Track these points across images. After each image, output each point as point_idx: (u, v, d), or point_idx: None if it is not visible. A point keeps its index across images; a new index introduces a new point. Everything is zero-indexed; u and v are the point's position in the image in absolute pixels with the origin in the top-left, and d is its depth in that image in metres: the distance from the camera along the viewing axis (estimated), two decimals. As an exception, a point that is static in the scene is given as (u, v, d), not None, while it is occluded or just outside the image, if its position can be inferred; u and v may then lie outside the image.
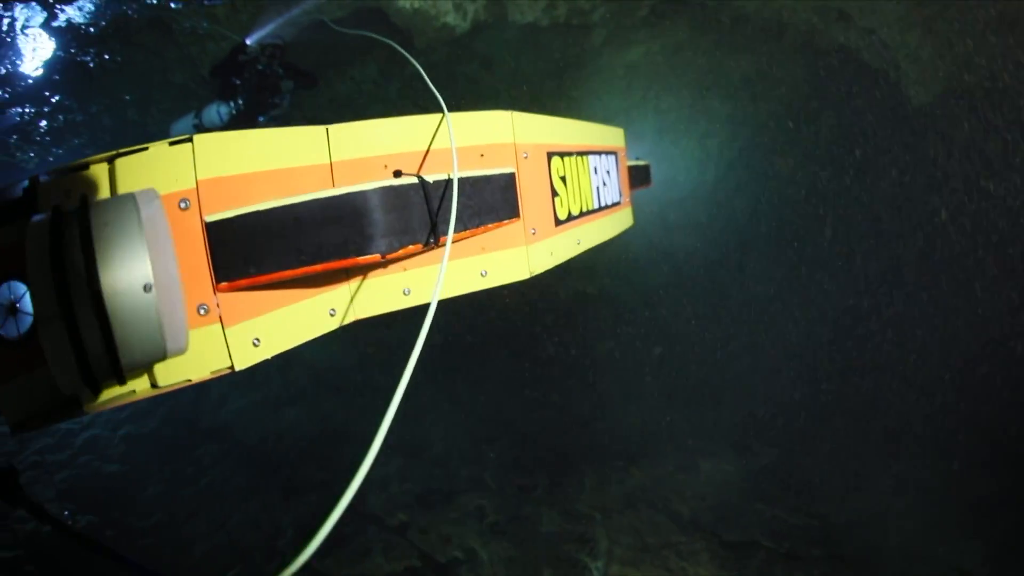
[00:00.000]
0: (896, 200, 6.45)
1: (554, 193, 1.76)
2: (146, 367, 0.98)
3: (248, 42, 4.95)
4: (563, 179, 1.85)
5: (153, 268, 0.86)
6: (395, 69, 5.90)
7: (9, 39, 6.25)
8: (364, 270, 1.31)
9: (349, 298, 1.27)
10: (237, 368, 1.10)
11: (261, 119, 5.02)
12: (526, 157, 1.60)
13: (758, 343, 6.51)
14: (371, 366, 6.31)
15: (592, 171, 2.12)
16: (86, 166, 1.03)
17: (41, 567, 5.12)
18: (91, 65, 6.79)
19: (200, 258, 1.06)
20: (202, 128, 4.85)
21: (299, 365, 6.47)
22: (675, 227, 6.75)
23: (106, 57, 6.67)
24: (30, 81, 7.15)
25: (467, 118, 1.47)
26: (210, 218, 1.06)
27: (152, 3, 5.93)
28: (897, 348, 6.29)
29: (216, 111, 4.82)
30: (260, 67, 4.81)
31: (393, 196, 1.19)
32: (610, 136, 2.46)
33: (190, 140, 1.07)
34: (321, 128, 1.26)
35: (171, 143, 1.06)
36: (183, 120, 5.02)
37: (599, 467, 5.38)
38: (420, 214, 1.24)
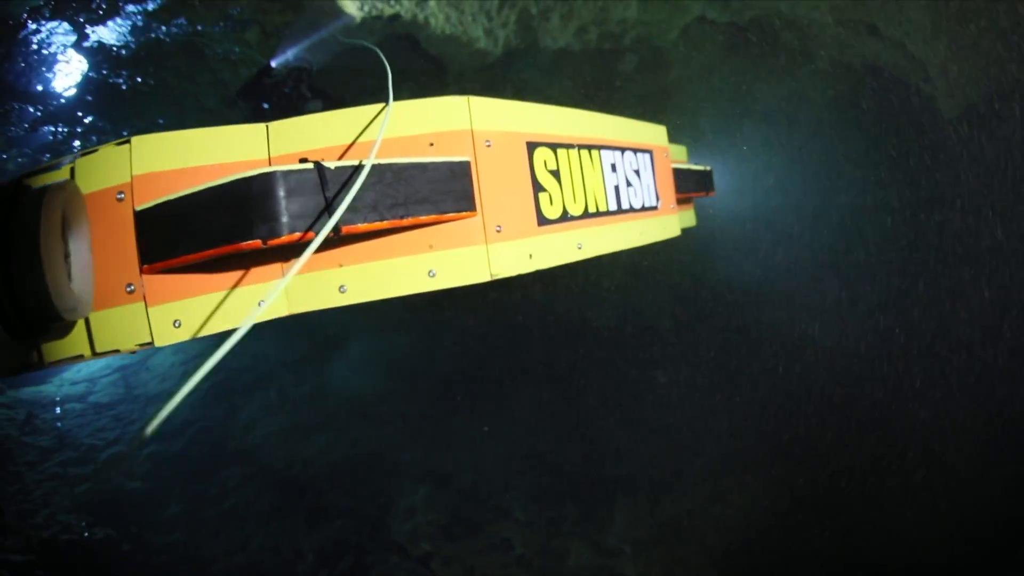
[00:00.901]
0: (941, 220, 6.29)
1: (538, 188, 1.57)
2: (51, 322, 1.11)
3: (273, 64, 4.98)
4: (555, 173, 1.65)
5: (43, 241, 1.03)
6: (428, 95, 5.90)
7: (42, 58, 6.36)
8: (280, 258, 1.30)
9: (283, 292, 1.30)
10: (156, 344, 1.21)
11: None
12: (489, 145, 1.45)
13: (796, 370, 6.36)
14: (402, 395, 6.28)
15: (608, 168, 1.90)
16: (57, 166, 1.24)
17: (53, 573, 5.14)
18: (123, 88, 6.88)
19: (130, 242, 1.20)
20: None
21: (331, 393, 6.46)
22: (714, 254, 6.65)
23: (139, 80, 6.76)
24: (63, 101, 7.26)
25: (417, 105, 1.41)
26: (139, 207, 1.21)
27: (184, 27, 6.00)
28: (942, 373, 6.11)
29: None
30: (287, 90, 4.83)
31: (283, 182, 1.15)
32: (642, 132, 2.22)
33: (128, 141, 1.23)
34: (261, 125, 1.33)
35: (116, 144, 1.23)
36: None
37: (631, 499, 5.27)
38: (316, 203, 1.19)
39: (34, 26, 5.75)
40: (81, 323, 1.20)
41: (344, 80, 5.88)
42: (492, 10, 5.34)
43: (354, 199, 1.17)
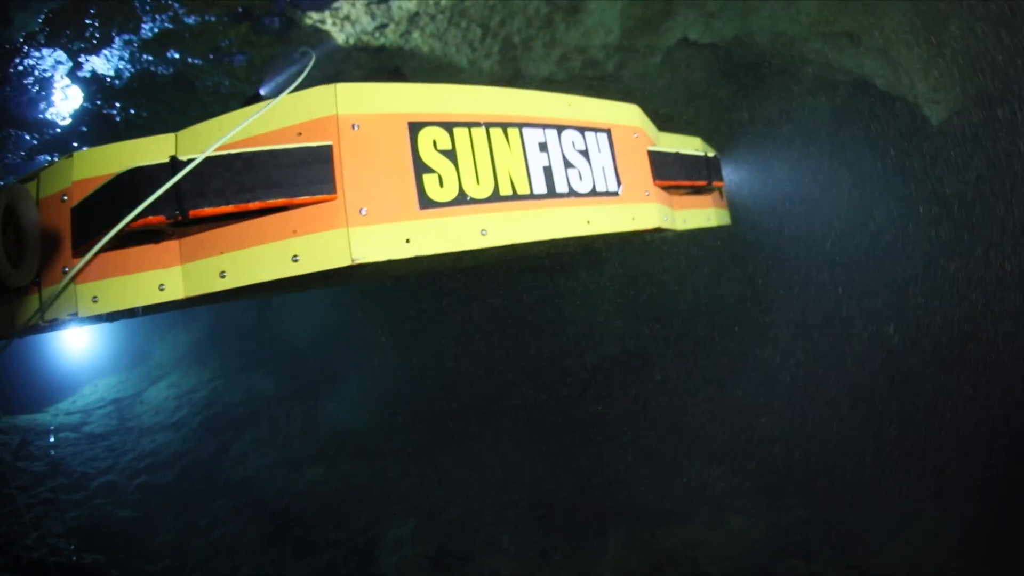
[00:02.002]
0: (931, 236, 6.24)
1: (422, 170, 1.51)
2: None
3: (262, 92, 4.98)
4: (448, 153, 1.57)
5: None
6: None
7: (38, 85, 6.44)
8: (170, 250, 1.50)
9: (180, 276, 1.47)
10: (80, 315, 1.46)
11: None
12: (356, 128, 1.45)
13: (791, 395, 6.28)
14: (393, 429, 6.25)
15: (532, 148, 1.75)
16: (34, 176, 1.56)
17: None
18: (117, 119, 6.98)
19: (67, 234, 1.47)
20: None
21: (322, 428, 6.45)
22: (708, 280, 6.62)
23: (131, 112, 6.86)
24: (58, 130, 7.35)
25: (289, 100, 1.49)
26: (74, 206, 1.46)
27: (175, 60, 6.09)
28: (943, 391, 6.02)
29: None
30: None
31: (143, 175, 1.33)
32: (597, 110, 2.00)
33: (71, 155, 1.51)
34: (171, 135, 1.49)
35: (65, 157, 1.51)
36: None
37: (624, 529, 5.17)
38: (169, 192, 1.35)
39: (30, 52, 5.83)
40: (35, 298, 1.52)
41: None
42: (475, 40, 5.40)
43: (202, 186, 1.32)
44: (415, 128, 1.52)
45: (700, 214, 2.64)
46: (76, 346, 9.48)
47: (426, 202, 1.50)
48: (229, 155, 1.36)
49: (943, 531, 5.24)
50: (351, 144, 1.44)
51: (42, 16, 5.38)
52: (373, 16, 5.28)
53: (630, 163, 2.01)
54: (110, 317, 1.62)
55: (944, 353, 6.03)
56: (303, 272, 1.39)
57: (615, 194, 1.93)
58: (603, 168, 1.92)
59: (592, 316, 6.80)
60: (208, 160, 1.35)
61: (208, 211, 1.34)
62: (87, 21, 5.53)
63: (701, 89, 6.21)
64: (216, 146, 1.38)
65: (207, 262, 1.45)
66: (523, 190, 1.69)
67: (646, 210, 2.03)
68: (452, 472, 5.69)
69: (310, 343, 7.61)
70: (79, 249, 1.44)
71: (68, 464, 7.37)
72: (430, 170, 1.52)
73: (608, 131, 1.97)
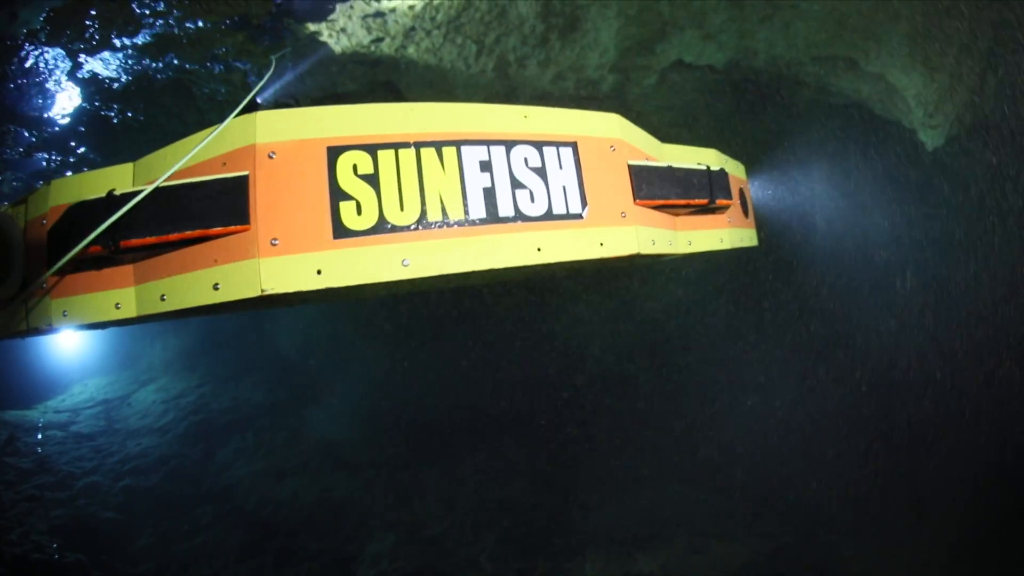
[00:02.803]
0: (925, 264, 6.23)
1: (339, 197, 1.45)
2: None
3: (259, 101, 4.95)
4: (369, 178, 1.49)
5: None
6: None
7: (38, 83, 6.46)
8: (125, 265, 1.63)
9: (133, 297, 1.57)
10: (54, 326, 1.61)
11: None
12: (272, 157, 1.44)
13: (775, 421, 6.26)
14: (378, 444, 6.24)
15: (471, 167, 1.60)
16: (23, 201, 1.70)
17: None
18: (115, 121, 7.00)
19: (44, 254, 1.56)
20: None
21: (307, 439, 6.44)
22: (688, 305, 6.60)
23: (129, 115, 6.88)
24: (57, 128, 7.37)
25: (217, 131, 1.52)
26: (48, 229, 1.56)
27: (173, 65, 6.10)
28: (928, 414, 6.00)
29: None
30: None
31: (84, 208, 1.48)
32: (562, 122, 1.79)
33: (50, 183, 1.61)
34: (130, 164, 1.58)
35: (45, 184, 1.63)
36: None
37: (603, 552, 5.14)
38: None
39: (31, 50, 5.84)
40: (23, 308, 1.66)
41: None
42: (470, 57, 5.41)
43: (132, 219, 1.42)
44: (334, 153, 1.49)
45: (711, 236, 2.36)
46: (68, 345, 9.49)
47: (341, 231, 1.44)
48: (160, 188, 1.45)
49: (926, 556, 5.21)
50: (266, 173, 1.44)
51: (43, 14, 5.39)
52: (369, 30, 5.29)
53: (602, 180, 1.80)
54: (84, 327, 1.72)
55: (925, 376, 6.03)
56: (223, 300, 1.42)
57: (578, 217, 1.72)
58: (564, 187, 1.73)
59: (578, 339, 6.79)
60: (135, 193, 1.46)
61: (136, 242, 1.44)
62: (87, 22, 5.55)
63: (696, 110, 6.20)
64: (158, 182, 1.47)
65: (151, 285, 1.54)
66: (456, 215, 1.55)
67: (620, 234, 1.79)
68: (433, 489, 5.67)
69: (299, 353, 7.60)
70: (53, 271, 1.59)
71: (54, 462, 7.39)
72: (348, 197, 1.47)
73: (573, 144, 1.78)
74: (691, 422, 6.25)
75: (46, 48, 5.87)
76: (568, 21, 5.32)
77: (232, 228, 1.40)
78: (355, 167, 1.49)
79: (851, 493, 5.85)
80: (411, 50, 5.35)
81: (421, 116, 1.60)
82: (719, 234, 2.41)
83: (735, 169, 2.65)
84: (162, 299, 1.51)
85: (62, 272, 1.56)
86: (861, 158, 6.42)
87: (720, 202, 2.18)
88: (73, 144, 7.61)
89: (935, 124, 5.92)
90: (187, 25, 5.51)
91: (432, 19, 5.20)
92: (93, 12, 5.41)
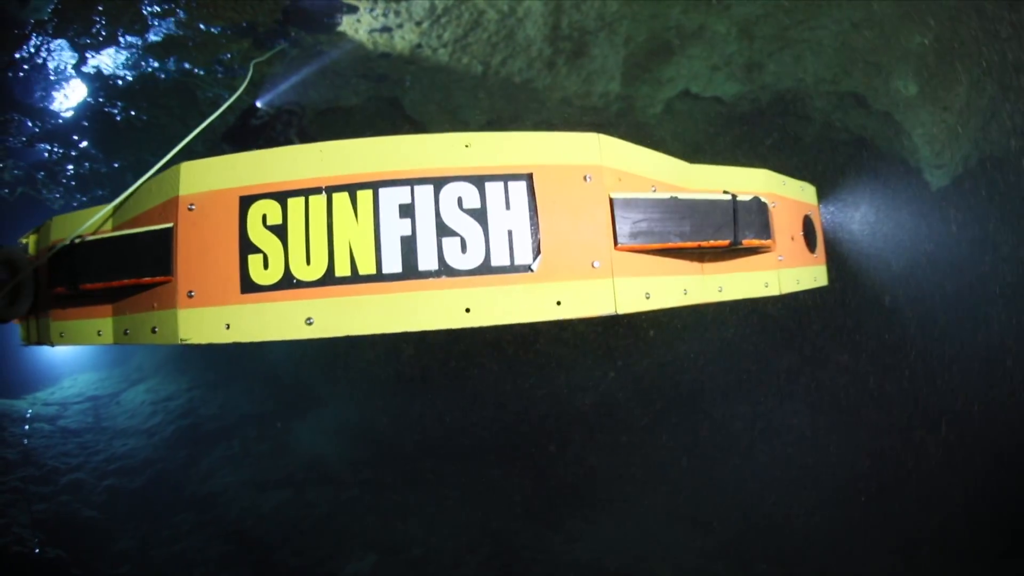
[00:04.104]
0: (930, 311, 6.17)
1: (248, 249, 1.39)
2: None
3: (259, 104, 4.84)
4: (277, 229, 1.39)
5: None
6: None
7: (44, 74, 6.42)
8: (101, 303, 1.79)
9: (110, 327, 1.70)
10: (54, 344, 1.81)
11: None
12: (192, 209, 1.42)
13: (760, 458, 6.20)
14: (365, 462, 6.20)
15: (391, 212, 1.40)
16: (38, 230, 1.91)
17: None
18: (118, 118, 6.97)
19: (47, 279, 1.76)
20: None
21: (293, 451, 6.40)
22: (679, 337, 6.55)
23: (132, 113, 6.84)
24: (60, 121, 7.35)
25: (144, 183, 1.59)
26: (48, 258, 1.72)
27: (177, 67, 6.07)
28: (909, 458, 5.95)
29: None
30: (276, 134, 4.68)
31: (59, 253, 1.64)
32: (516, 149, 1.46)
33: (51, 220, 1.82)
34: (111, 206, 1.70)
35: (50, 220, 1.83)
36: None
37: (583, 584, 5.10)
38: (67, 267, 1.68)
39: (38, 41, 5.82)
40: (34, 324, 1.91)
41: (335, 126, 5.91)
42: (476, 77, 5.36)
43: (85, 265, 1.58)
44: (246, 202, 1.41)
45: (751, 280, 1.87)
46: (60, 336, 9.45)
47: (248, 285, 1.38)
48: (103, 239, 1.61)
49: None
50: (186, 226, 1.43)
51: (52, 5, 5.36)
52: (375, 44, 5.25)
53: (567, 221, 1.44)
54: (79, 344, 1.92)
55: (907, 407, 5.98)
56: (160, 343, 1.50)
57: (525, 269, 1.41)
58: (509, 232, 1.41)
59: (571, 371, 6.74)
60: (95, 242, 1.61)
61: (89, 286, 1.58)
62: (94, 17, 5.52)
63: (700, 141, 6.15)
64: (83, 228, 1.72)
65: (119, 319, 1.65)
66: (367, 269, 1.38)
67: (588, 291, 1.43)
68: (417, 510, 5.63)
69: (291, 365, 7.57)
70: (54, 293, 1.77)
71: (40, 456, 7.35)
72: (256, 249, 1.39)
73: (528, 177, 1.43)
74: (682, 459, 6.21)
75: (52, 40, 5.85)
76: (576, 46, 5.28)
77: (159, 279, 1.45)
78: (264, 217, 1.40)
79: (837, 533, 5.79)
80: (416, 68, 5.31)
81: (336, 156, 1.43)
82: (764, 277, 1.90)
83: (797, 192, 2.15)
84: (125, 333, 1.62)
85: (60, 299, 1.76)
86: (867, 194, 6.36)
87: (750, 243, 1.64)
88: (76, 138, 7.58)
89: (941, 164, 5.87)
90: (194, 28, 5.48)
91: (439, 37, 5.15)
92: (100, 8, 5.38)
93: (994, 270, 5.97)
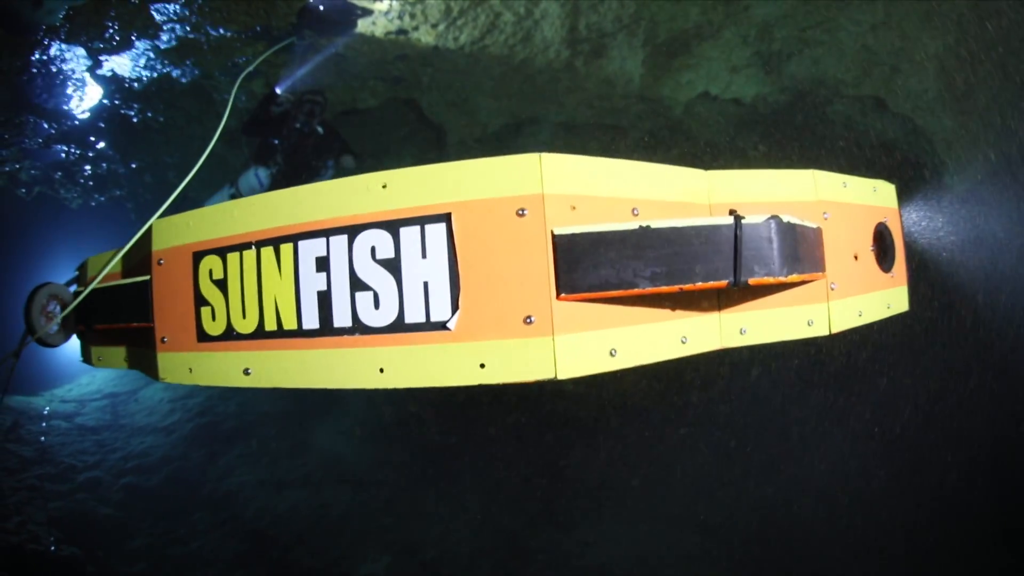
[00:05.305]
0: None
1: (200, 302, 1.48)
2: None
3: (278, 91, 4.69)
4: (220, 283, 1.44)
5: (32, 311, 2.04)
6: (428, 162, 5.90)
7: (59, 77, 6.47)
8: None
9: (134, 355, 1.94)
10: (94, 365, 2.09)
11: None
12: (161, 264, 1.59)
13: (775, 465, 6.15)
14: (382, 462, 6.21)
15: (308, 266, 1.32)
16: (80, 267, 2.13)
17: None
18: (135, 120, 7.02)
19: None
20: (240, 197, 4.58)
21: (310, 451, 6.43)
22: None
23: (149, 115, 6.89)
24: (76, 122, 7.41)
25: (138, 236, 1.75)
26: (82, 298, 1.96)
27: (193, 70, 6.09)
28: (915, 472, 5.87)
29: (255, 176, 4.51)
30: (297, 124, 4.47)
31: (87, 297, 1.90)
32: (435, 184, 1.24)
33: (87, 260, 2.06)
34: (120, 254, 1.92)
35: (89, 259, 2.04)
36: (219, 194, 4.73)
37: (597, 589, 5.10)
38: (78, 309, 1.99)
39: (51, 46, 5.86)
40: (86, 347, 2.12)
41: (352, 129, 5.90)
42: (494, 79, 5.33)
43: (98, 308, 1.89)
44: (197, 258, 1.51)
45: (786, 318, 1.43)
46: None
47: (202, 335, 1.50)
48: (107, 287, 1.84)
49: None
50: (158, 279, 1.59)
51: (63, 11, 5.37)
52: (393, 45, 5.24)
53: (493, 268, 1.20)
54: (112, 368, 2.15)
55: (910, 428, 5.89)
56: (154, 378, 1.66)
57: (441, 327, 1.22)
58: (424, 284, 1.23)
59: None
60: (102, 290, 1.85)
61: (102, 327, 1.90)
62: (107, 23, 5.52)
63: (723, 142, 6.10)
64: (97, 281, 1.94)
65: (131, 351, 1.91)
66: (290, 324, 1.34)
67: (518, 351, 1.18)
68: (432, 512, 5.65)
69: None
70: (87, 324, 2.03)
71: (57, 453, 7.42)
72: (206, 302, 1.49)
73: (446, 218, 1.22)
74: (688, 465, 6.17)
75: (66, 46, 5.87)
76: (594, 48, 5.23)
77: (144, 324, 1.63)
78: (211, 272, 1.48)
79: (840, 552, 5.72)
80: (433, 70, 5.29)
81: (264, 210, 1.40)
82: (807, 313, 1.44)
83: (865, 195, 1.71)
84: (137, 363, 1.84)
85: (100, 331, 2.04)
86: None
87: (760, 281, 1.20)
88: (92, 139, 7.65)
89: (961, 168, 5.78)
90: (207, 33, 5.48)
91: (455, 39, 5.13)
92: (112, 13, 5.40)
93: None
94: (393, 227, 1.25)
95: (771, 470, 6.03)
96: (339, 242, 1.29)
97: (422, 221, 1.24)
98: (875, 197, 1.78)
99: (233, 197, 4.60)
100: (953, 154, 5.72)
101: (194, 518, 6.27)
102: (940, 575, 5.37)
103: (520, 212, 1.19)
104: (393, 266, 1.25)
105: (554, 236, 1.18)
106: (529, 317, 1.18)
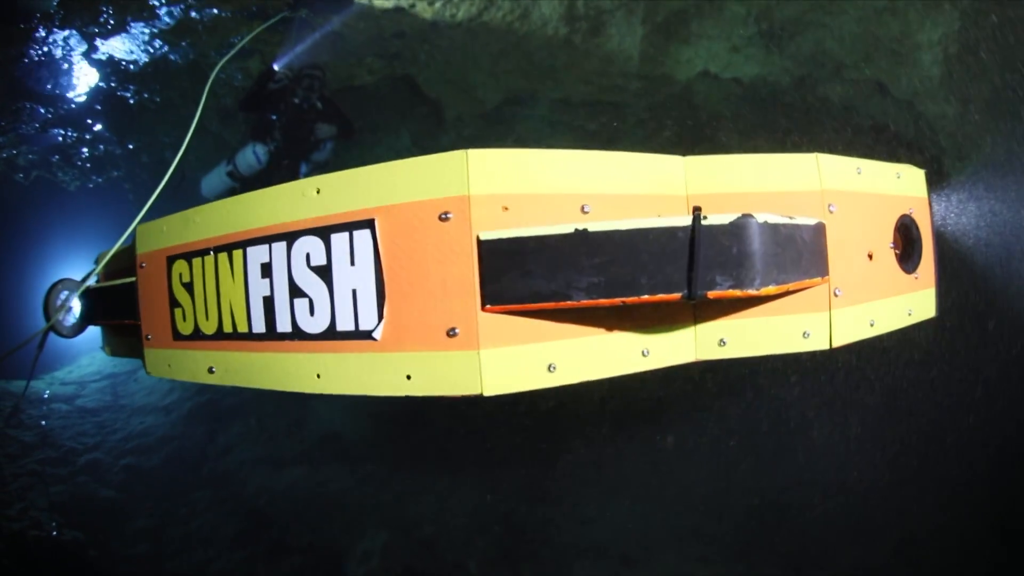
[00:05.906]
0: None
1: (174, 304, 1.59)
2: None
3: (276, 67, 4.61)
4: (188, 286, 1.52)
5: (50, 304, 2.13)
6: (428, 141, 5.87)
7: (54, 61, 6.43)
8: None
9: (134, 345, 1.96)
10: (107, 354, 2.33)
11: (304, 170, 4.64)
12: (143, 267, 1.70)
13: (775, 450, 6.16)
14: (381, 441, 6.24)
15: (255, 271, 1.34)
16: (96, 260, 2.10)
17: (18, 566, 5.19)
18: (131, 101, 6.99)
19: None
20: (237, 175, 4.49)
21: (310, 429, 6.46)
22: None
23: (145, 96, 6.86)
24: (72, 106, 7.38)
25: (123, 238, 1.94)
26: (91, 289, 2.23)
27: (189, 50, 6.05)
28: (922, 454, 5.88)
29: (252, 153, 4.41)
30: (296, 100, 4.41)
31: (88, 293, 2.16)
32: (362, 187, 1.19)
33: (99, 254, 2.08)
34: (110, 253, 2.01)
35: (99, 255, 2.06)
36: (215, 172, 4.66)
37: (589, 566, 5.13)
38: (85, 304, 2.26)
39: (46, 30, 5.82)
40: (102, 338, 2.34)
41: (348, 105, 5.86)
42: (492, 56, 5.30)
43: (92, 308, 2.13)
44: (170, 262, 1.60)
45: (777, 329, 1.24)
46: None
47: (176, 334, 1.61)
48: (100, 287, 2.07)
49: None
50: (142, 281, 1.71)
51: (56, -3, 5.31)
52: (390, 22, 5.20)
53: (415, 275, 1.13)
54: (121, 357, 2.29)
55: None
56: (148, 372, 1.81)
57: (368, 336, 1.18)
58: (353, 291, 1.19)
59: None
60: (97, 289, 2.06)
61: (102, 322, 2.14)
62: (101, 6, 5.47)
63: (722, 122, 6.06)
64: (91, 278, 2.14)
65: (132, 342, 1.93)
66: (242, 327, 1.39)
67: (442, 365, 1.12)
68: (429, 490, 5.68)
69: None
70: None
71: (57, 437, 7.44)
72: (178, 303, 1.59)
73: (371, 223, 1.16)
74: (686, 442, 6.19)
75: (60, 30, 5.81)
76: (592, 25, 5.19)
77: (133, 322, 1.75)
78: (180, 275, 1.57)
79: (841, 538, 5.74)
80: (431, 46, 5.25)
81: (219, 215, 1.46)
82: (803, 323, 1.24)
83: (887, 182, 1.48)
84: (137, 353, 1.89)
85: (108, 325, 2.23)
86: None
87: (724, 294, 1.03)
88: (89, 121, 7.62)
89: (963, 156, 5.74)
90: (203, 12, 5.44)
91: (453, 16, 5.09)
92: (104, -3, 5.34)
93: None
94: (325, 234, 1.23)
95: (771, 456, 6.06)
96: (279, 249, 1.30)
97: (350, 227, 1.20)
98: (898, 185, 1.53)
99: (230, 175, 4.57)
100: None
101: (194, 497, 6.31)
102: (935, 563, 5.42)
103: (443, 216, 1.10)
104: (326, 273, 1.23)
105: (480, 243, 1.08)
106: (453, 329, 1.11)
